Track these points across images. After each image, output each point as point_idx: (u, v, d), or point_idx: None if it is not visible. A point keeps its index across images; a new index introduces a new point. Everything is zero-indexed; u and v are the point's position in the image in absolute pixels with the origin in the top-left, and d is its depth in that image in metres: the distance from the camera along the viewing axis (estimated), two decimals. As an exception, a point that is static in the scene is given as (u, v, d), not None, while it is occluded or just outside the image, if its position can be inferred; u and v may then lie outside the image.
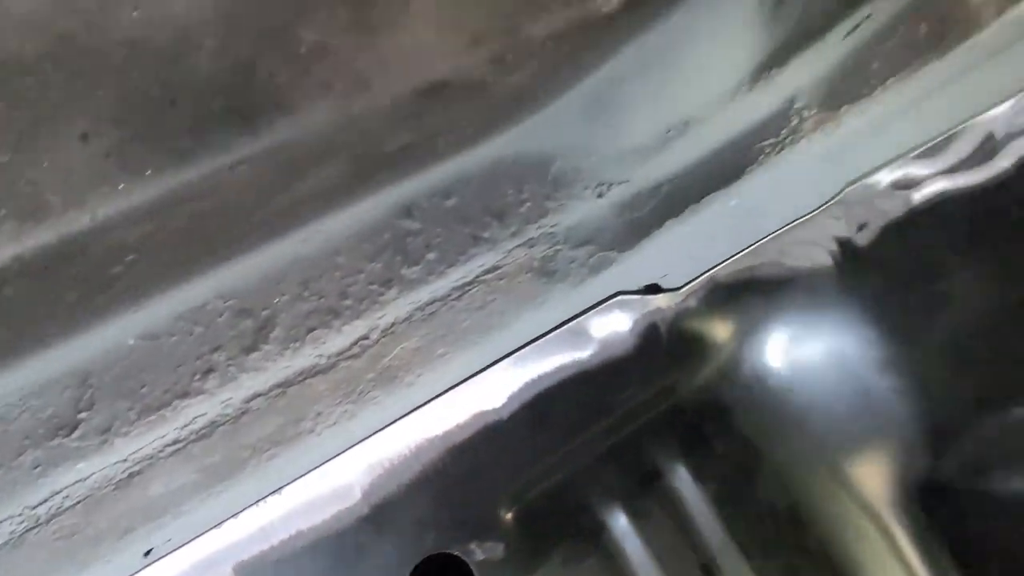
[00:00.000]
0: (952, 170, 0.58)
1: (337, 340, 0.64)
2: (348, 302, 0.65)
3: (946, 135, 0.58)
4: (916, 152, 0.59)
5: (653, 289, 0.72)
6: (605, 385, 0.70)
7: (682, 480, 0.70)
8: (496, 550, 0.64)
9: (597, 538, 0.69)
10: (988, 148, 0.56)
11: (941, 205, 0.59)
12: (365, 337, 0.65)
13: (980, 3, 0.53)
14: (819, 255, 0.68)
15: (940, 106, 0.58)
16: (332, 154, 0.53)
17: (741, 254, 0.69)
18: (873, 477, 0.71)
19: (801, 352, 0.70)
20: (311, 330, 0.64)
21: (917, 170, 0.60)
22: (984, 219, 0.58)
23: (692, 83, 0.70)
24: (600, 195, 0.74)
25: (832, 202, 0.64)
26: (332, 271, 0.65)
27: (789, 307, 0.70)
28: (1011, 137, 0.55)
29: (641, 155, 0.73)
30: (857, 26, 0.60)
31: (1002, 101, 0.54)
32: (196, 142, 0.46)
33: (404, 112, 0.53)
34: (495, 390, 0.65)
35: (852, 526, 0.69)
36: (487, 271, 0.71)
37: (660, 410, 0.72)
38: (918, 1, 0.56)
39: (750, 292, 0.71)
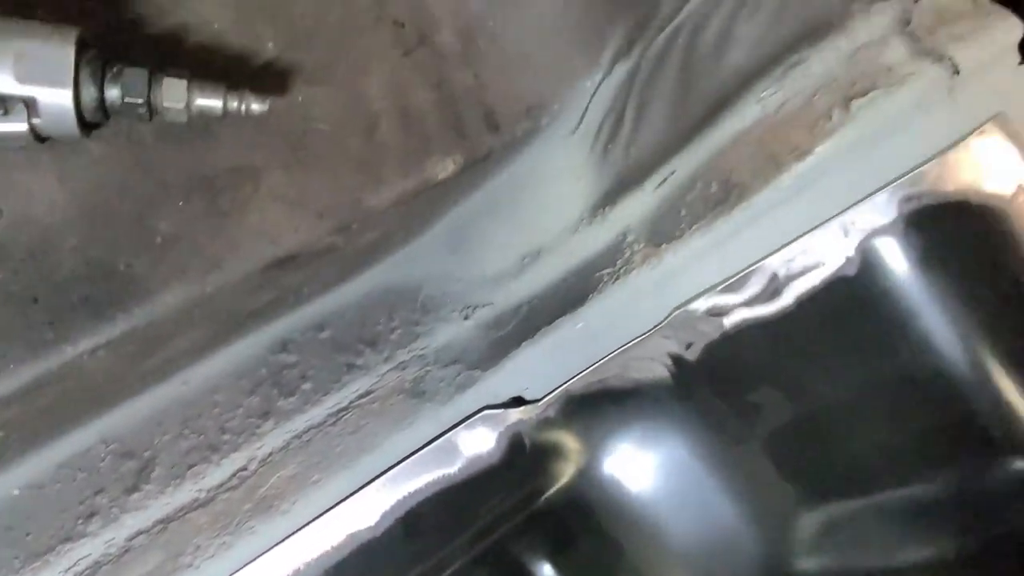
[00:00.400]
0: (749, 303, 0.68)
1: (216, 474, 0.69)
2: (227, 437, 0.71)
3: (742, 273, 0.67)
4: (721, 286, 0.69)
5: (516, 402, 0.80)
6: (474, 494, 0.76)
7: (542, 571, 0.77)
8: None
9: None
10: (773, 286, 0.66)
11: (745, 330, 0.69)
12: (243, 468, 0.71)
13: (752, 175, 0.63)
14: (657, 369, 0.77)
15: (737, 248, 0.68)
16: (192, 324, 0.59)
17: (591, 369, 0.77)
18: (717, 568, 0.79)
19: (648, 453, 0.78)
20: (191, 466, 0.69)
21: (724, 300, 0.69)
22: (777, 344, 0.68)
23: (540, 218, 0.79)
24: (466, 317, 0.81)
25: (661, 325, 0.73)
26: (211, 408, 0.71)
27: (635, 414, 0.79)
28: (790, 278, 0.65)
29: (502, 280, 0.81)
30: (665, 180, 0.69)
31: (779, 249, 0.64)
32: (57, 335, 0.52)
33: (258, 282, 0.60)
34: (368, 510, 0.71)
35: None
36: (361, 396, 0.77)
37: (527, 513, 0.78)
38: (706, 165, 0.66)
39: (601, 402, 0.79)
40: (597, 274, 0.76)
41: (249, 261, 0.57)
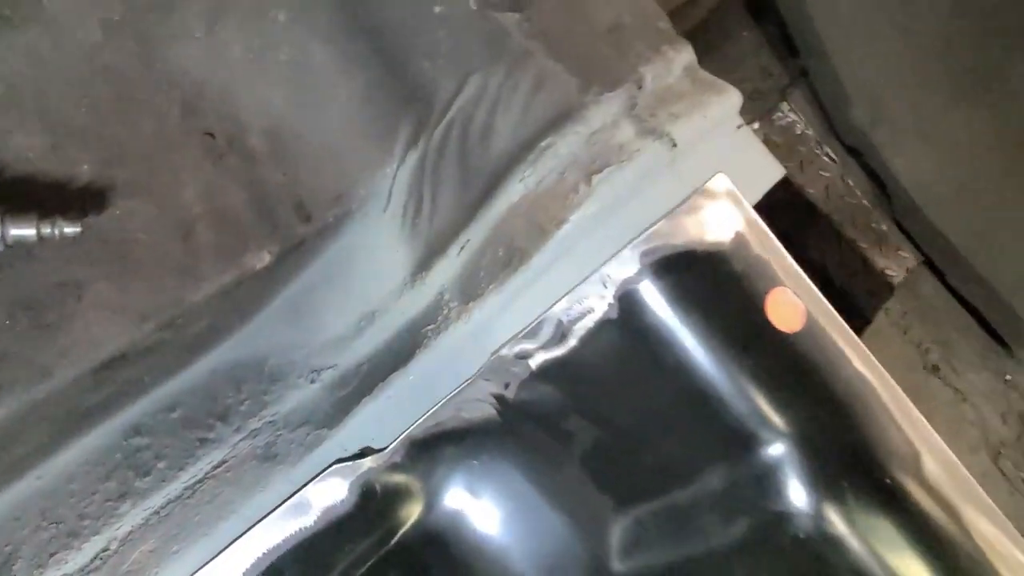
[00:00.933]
0: (545, 346, 0.79)
1: (78, 558, 0.74)
2: (86, 522, 0.76)
3: (535, 322, 0.78)
4: (522, 334, 0.79)
5: (363, 453, 0.88)
6: (331, 542, 0.84)
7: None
8: None
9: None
10: (561, 331, 0.77)
11: (547, 370, 0.80)
12: (105, 549, 0.76)
13: (527, 241, 0.74)
14: (485, 408, 0.87)
15: (527, 301, 0.79)
16: (29, 428, 0.65)
17: (427, 415, 0.86)
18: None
19: (486, 484, 0.88)
20: (53, 554, 0.74)
21: (526, 345, 0.80)
22: (573, 379, 0.79)
23: (369, 286, 0.88)
24: (312, 381, 0.89)
25: (481, 370, 0.83)
26: (68, 498, 0.76)
27: (472, 451, 0.88)
28: (571, 324, 0.77)
29: (342, 343, 0.89)
30: (463, 247, 0.80)
31: (558, 301, 0.75)
32: None
33: (91, 383, 0.67)
34: (229, 571, 0.78)
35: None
36: (215, 467, 0.84)
37: (383, 553, 0.87)
38: (492, 234, 0.77)
39: (440, 443, 0.88)
40: (422, 331, 0.86)
41: (78, 366, 0.64)
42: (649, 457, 0.80)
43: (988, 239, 1.38)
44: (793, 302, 0.72)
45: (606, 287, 0.72)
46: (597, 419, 0.81)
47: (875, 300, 1.40)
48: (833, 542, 0.70)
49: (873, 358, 0.76)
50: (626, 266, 0.72)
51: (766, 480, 0.72)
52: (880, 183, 1.41)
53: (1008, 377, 1.52)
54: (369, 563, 0.86)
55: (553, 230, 0.71)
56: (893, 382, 0.76)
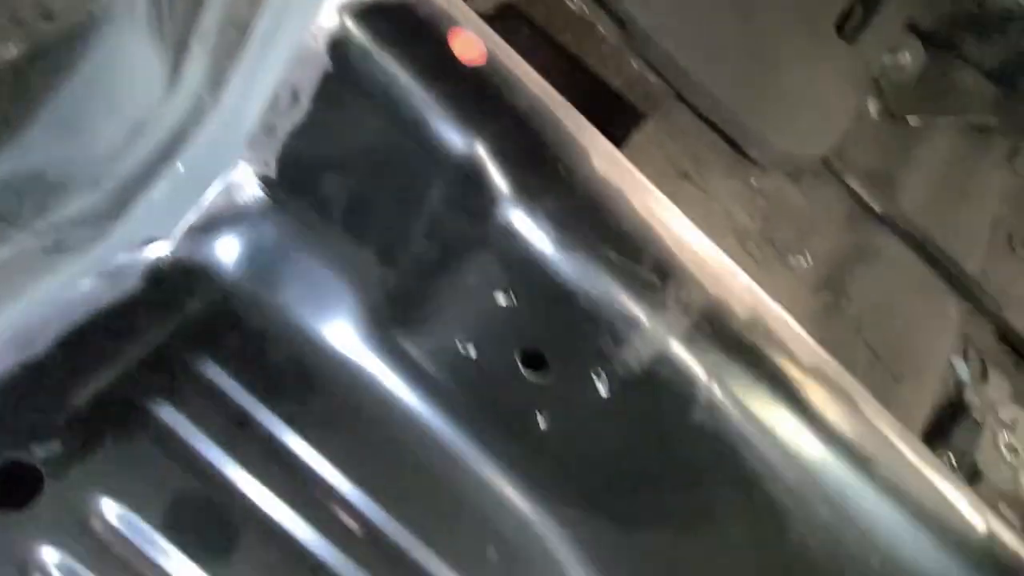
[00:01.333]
0: (287, 115, 0.93)
1: None
2: None
3: (272, 92, 0.92)
4: (265, 107, 0.93)
5: (149, 241, 1.00)
6: (125, 321, 0.95)
7: (206, 365, 0.98)
8: (55, 448, 0.87)
9: (145, 425, 0.94)
10: (294, 96, 0.91)
11: (296, 138, 0.93)
12: None
13: (247, 13, 0.87)
14: (253, 189, 1.00)
15: (264, 74, 0.92)
16: None
17: (203, 201, 0.99)
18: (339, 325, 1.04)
19: (264, 254, 1.01)
20: None
21: (271, 119, 0.94)
22: (319, 141, 0.94)
23: (133, 93, 0.99)
24: (92, 185, 1.00)
25: (239, 152, 0.96)
26: None
27: (248, 229, 1.01)
28: (300, 85, 0.91)
29: (117, 152, 1.00)
30: (201, 38, 0.92)
31: (282, 63, 0.90)
32: None
33: None
34: (27, 338, 0.88)
35: (333, 364, 1.02)
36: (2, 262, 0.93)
37: (178, 326, 0.99)
38: (223, 17, 0.89)
39: (219, 227, 1.01)
40: (188, 130, 0.98)
41: None
42: (386, 200, 0.96)
43: (719, 67, 1.62)
44: (474, 39, 0.89)
45: (317, 42, 0.87)
46: (342, 174, 0.96)
47: (628, 126, 1.61)
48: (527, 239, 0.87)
49: (554, 91, 0.94)
50: (330, 18, 0.86)
51: (471, 188, 0.89)
52: (622, 22, 1.62)
53: (753, 182, 1.77)
54: (165, 335, 0.98)
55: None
56: (572, 107, 0.94)
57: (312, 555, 0.97)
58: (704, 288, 0.92)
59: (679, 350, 0.90)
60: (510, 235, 0.90)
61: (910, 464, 0.97)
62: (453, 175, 0.89)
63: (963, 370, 1.65)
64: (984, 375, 1.67)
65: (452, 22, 0.88)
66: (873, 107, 1.96)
